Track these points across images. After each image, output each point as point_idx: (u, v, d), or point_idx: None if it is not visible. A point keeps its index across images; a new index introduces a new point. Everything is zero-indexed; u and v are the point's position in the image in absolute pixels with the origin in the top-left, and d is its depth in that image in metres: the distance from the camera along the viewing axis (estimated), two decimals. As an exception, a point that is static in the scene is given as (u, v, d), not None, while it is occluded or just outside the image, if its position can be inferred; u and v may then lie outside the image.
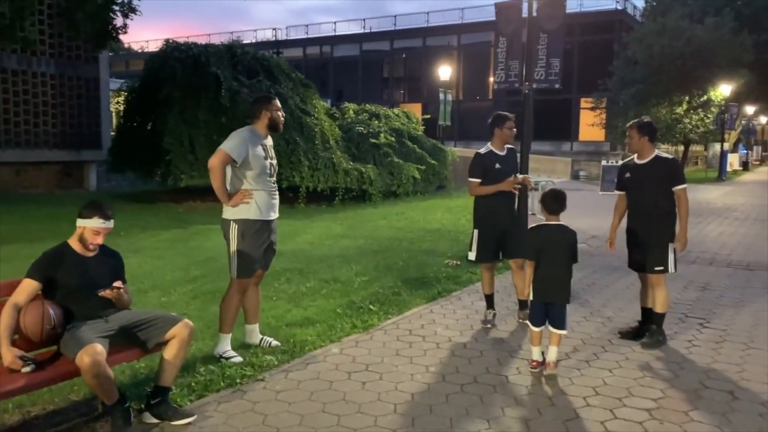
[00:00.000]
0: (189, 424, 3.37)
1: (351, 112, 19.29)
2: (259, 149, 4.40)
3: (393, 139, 17.56)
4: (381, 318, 5.47)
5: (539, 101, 39.05)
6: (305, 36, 53.44)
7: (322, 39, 52.12)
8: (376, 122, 18.34)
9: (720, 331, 5.27)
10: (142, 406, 3.44)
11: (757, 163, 54.57)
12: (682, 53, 27.17)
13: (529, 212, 12.75)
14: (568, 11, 10.98)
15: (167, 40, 15.82)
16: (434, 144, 19.40)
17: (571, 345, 4.78)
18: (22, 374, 3.00)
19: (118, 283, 3.40)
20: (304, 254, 8.43)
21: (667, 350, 4.78)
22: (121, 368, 4.01)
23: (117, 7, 14.21)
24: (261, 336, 4.71)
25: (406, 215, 13.05)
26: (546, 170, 27.14)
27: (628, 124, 5.07)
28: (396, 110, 20.99)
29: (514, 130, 5.37)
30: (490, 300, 5.47)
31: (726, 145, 31.96)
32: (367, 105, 20.32)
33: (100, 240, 3.43)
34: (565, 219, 4.43)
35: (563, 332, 4.27)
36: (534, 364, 4.28)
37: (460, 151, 21.39)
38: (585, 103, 37.75)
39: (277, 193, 4.63)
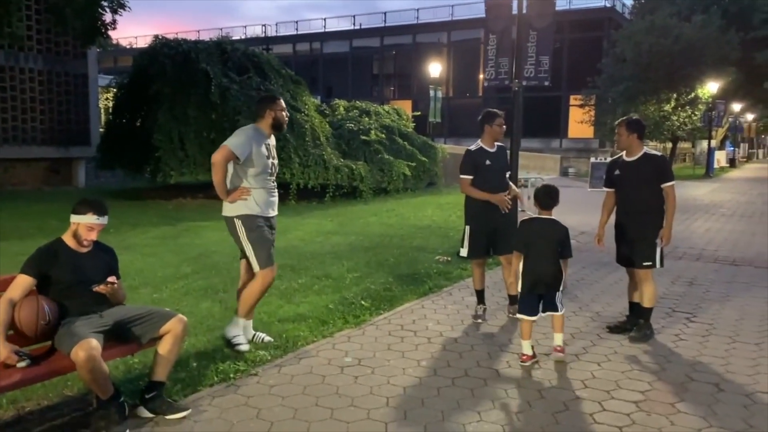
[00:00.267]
0: (183, 418, 3.40)
1: (341, 108, 19.30)
2: (263, 148, 4.44)
3: (383, 136, 17.58)
4: (373, 314, 5.52)
5: (529, 98, 39.20)
6: (295, 32, 53.30)
7: (312, 35, 52.00)
8: (367, 119, 18.36)
9: (706, 325, 5.36)
10: (137, 400, 3.46)
11: (744, 160, 55.09)
12: (670, 51, 27.37)
13: (519, 209, 12.87)
14: (557, 9, 11.06)
15: (156, 36, 15.76)
16: (424, 141, 19.45)
17: (562, 338, 4.83)
18: (17, 369, 3.02)
19: (112, 279, 3.42)
20: (295, 251, 8.45)
21: (655, 344, 4.86)
22: (114, 363, 4.03)
23: (106, 3, 14.13)
24: (254, 332, 4.73)
25: (396, 212, 13.09)
26: (535, 167, 27.26)
27: (616, 122, 5.13)
28: (386, 107, 21.02)
29: (504, 127, 5.43)
30: (480, 295, 5.53)
31: (713, 142, 32.25)
32: (357, 102, 20.33)
33: (93, 236, 3.45)
34: (554, 215, 4.50)
35: (560, 313, 4.35)
36: (524, 357, 4.34)
37: (450, 148, 21.46)
38: (574, 100, 37.96)
39: (276, 191, 4.67)
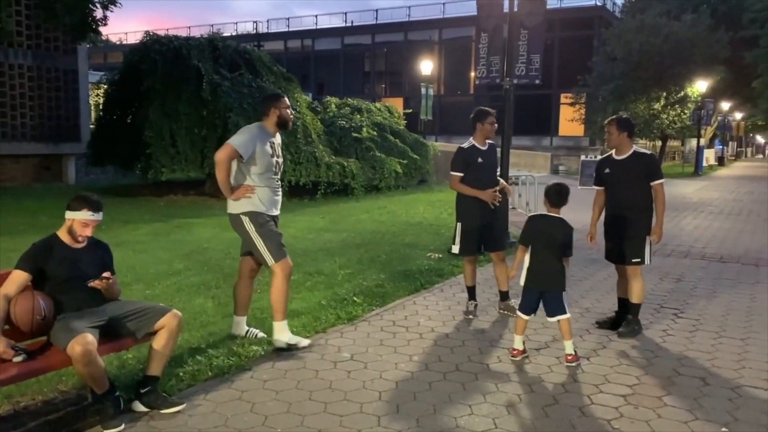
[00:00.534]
0: (178, 412, 3.43)
1: (333, 106, 19.30)
2: (267, 147, 4.44)
3: (375, 133, 17.62)
4: (365, 309, 5.56)
5: (520, 96, 39.26)
6: (286, 29, 53.17)
7: (304, 32, 51.88)
8: (358, 116, 18.38)
9: (693, 321, 5.45)
10: (132, 395, 3.50)
11: (733, 158, 55.57)
12: (659, 50, 27.55)
13: (510, 206, 12.95)
14: (548, 7, 11.14)
15: (147, 33, 15.70)
16: (416, 138, 19.50)
17: (550, 335, 4.91)
18: (13, 364, 3.05)
19: (107, 274, 3.44)
20: (287, 248, 8.37)
21: (643, 339, 4.94)
22: (109, 359, 4.05)
23: (96, -1, 14.09)
24: (247, 328, 4.77)
25: (388, 209, 13.13)
26: (526, 165, 27.40)
27: (606, 121, 5.19)
28: (378, 104, 21.05)
29: (496, 125, 5.48)
30: (471, 291, 5.59)
31: (702, 141, 32.52)
32: (349, 99, 20.34)
33: (88, 232, 3.47)
34: (544, 211, 4.57)
35: (566, 316, 4.35)
36: (515, 352, 4.40)
37: (441, 146, 21.53)
38: (565, 98, 38.10)
39: (280, 190, 4.67)
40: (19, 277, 3.29)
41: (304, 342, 4.47)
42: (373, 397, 3.74)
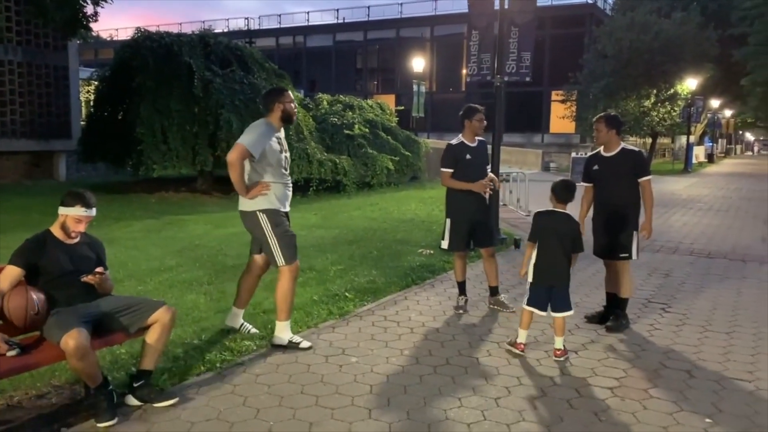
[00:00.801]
0: (171, 406, 3.47)
1: (325, 103, 19.32)
2: (274, 142, 4.44)
3: (367, 130, 17.66)
4: (356, 305, 5.61)
5: (511, 93, 39.50)
6: (278, 26, 53.04)
7: (295, 29, 51.76)
8: (350, 113, 18.41)
9: (680, 315, 5.53)
10: (125, 389, 3.53)
11: (722, 155, 55.93)
12: (650, 47, 27.68)
13: (501, 203, 13.02)
14: (539, 4, 11.20)
15: (139, 29, 15.65)
16: (408, 135, 19.55)
17: (539, 329, 4.97)
18: (7, 358, 3.07)
19: (100, 269, 3.47)
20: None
21: (630, 333, 5.01)
22: (101, 353, 4.08)
23: (87, -6, 14.02)
24: (243, 322, 4.78)
25: (380, 206, 13.18)
26: (517, 162, 27.52)
27: (594, 118, 5.24)
28: (370, 101, 21.08)
29: (484, 122, 5.51)
30: (462, 287, 5.64)
31: (692, 138, 32.73)
32: (341, 96, 20.36)
33: (81, 228, 3.50)
34: (536, 207, 4.63)
35: (569, 313, 4.41)
36: (520, 346, 4.45)
37: (433, 143, 21.59)
38: (556, 95, 38.23)
39: (291, 185, 4.66)
40: (12, 273, 3.31)
41: (306, 343, 4.48)
42: (365, 390, 3.79)
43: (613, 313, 5.17)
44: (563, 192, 4.54)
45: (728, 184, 22.87)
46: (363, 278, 6.57)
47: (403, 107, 26.62)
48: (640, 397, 3.79)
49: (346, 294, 5.89)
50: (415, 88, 22.82)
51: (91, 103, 17.11)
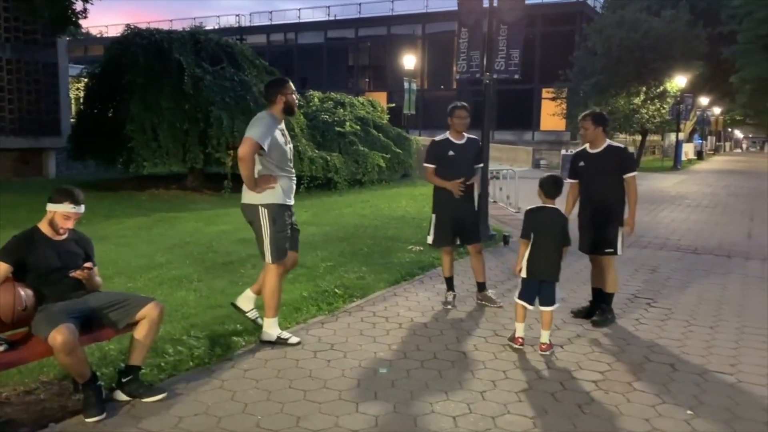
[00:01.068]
0: (159, 400, 3.49)
1: (316, 100, 19.31)
2: (279, 134, 4.44)
3: (358, 127, 17.67)
4: (346, 301, 5.65)
5: (502, 91, 39.61)
6: (269, 23, 52.92)
7: (287, 26, 51.67)
8: (342, 110, 18.41)
9: (665, 310, 5.60)
10: (113, 384, 3.55)
11: (711, 152, 56.30)
12: (639, 45, 27.81)
13: (491, 200, 13.09)
14: (530, 2, 11.29)
15: (128, 26, 15.59)
16: (399, 133, 19.58)
17: (526, 324, 5.00)
18: (-5, 354, 3.09)
19: (89, 264, 3.49)
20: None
21: (616, 328, 5.08)
22: (90, 349, 4.10)
23: (77, -9, 13.96)
24: (253, 307, 4.77)
25: (371, 203, 13.21)
26: (508, 159, 27.60)
27: (581, 116, 5.27)
28: (361, 99, 21.09)
29: (467, 119, 5.49)
30: (449, 282, 5.69)
31: (681, 135, 32.94)
32: (332, 93, 20.35)
33: (70, 224, 3.52)
34: (525, 204, 4.68)
35: (554, 307, 4.51)
36: (519, 340, 4.51)
37: (424, 140, 21.60)
38: (546, 93, 38.35)
39: (295, 178, 4.67)
40: None
41: (294, 339, 4.50)
42: (352, 384, 3.83)
43: (599, 308, 5.24)
44: (552, 188, 4.62)
45: (716, 181, 23.06)
46: (353, 274, 6.61)
47: (394, 104, 26.61)
48: (624, 390, 3.85)
49: (336, 290, 5.93)
50: (406, 85, 22.84)
51: (81, 100, 17.03)
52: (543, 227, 4.54)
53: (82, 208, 3.53)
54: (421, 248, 8.02)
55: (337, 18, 50.13)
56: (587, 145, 5.26)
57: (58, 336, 3.06)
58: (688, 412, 3.56)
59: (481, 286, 5.66)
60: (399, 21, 46.74)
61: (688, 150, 40.40)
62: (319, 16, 51.73)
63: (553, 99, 34.98)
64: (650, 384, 3.94)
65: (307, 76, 48.09)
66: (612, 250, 5.14)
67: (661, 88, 29.35)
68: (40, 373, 3.82)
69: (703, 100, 40.33)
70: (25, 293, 3.30)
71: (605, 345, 4.67)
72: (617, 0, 36.28)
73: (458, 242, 5.65)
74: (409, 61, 25.76)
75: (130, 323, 3.51)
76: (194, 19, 67.21)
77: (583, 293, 5.94)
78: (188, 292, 5.84)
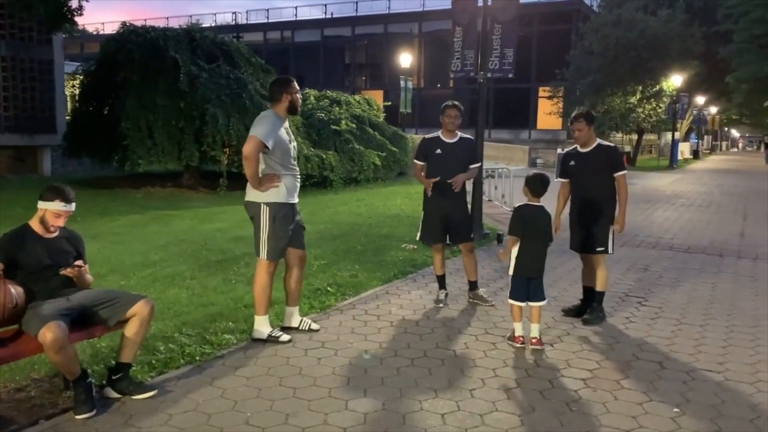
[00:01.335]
0: (150, 398, 3.51)
1: (312, 98, 19.32)
2: (283, 132, 4.46)
3: (354, 125, 17.69)
4: (338, 299, 5.67)
5: (499, 90, 39.66)
6: (266, 20, 52.86)
7: (283, 24, 51.63)
8: (338, 109, 18.43)
9: (656, 309, 5.63)
10: (104, 381, 3.57)
11: (708, 152, 56.47)
12: (635, 44, 27.90)
13: (486, 198, 13.11)
14: (527, 1, 11.33)
15: (124, 23, 15.57)
16: (395, 131, 19.61)
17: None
18: (-15, 351, 3.10)
19: (79, 262, 3.51)
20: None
21: (606, 326, 5.10)
22: (82, 347, 4.12)
23: (72, -12, 13.94)
24: (300, 318, 4.80)
25: (366, 201, 13.24)
26: (504, 158, 27.62)
27: (573, 116, 5.27)
28: (357, 97, 21.10)
29: (458, 119, 5.50)
30: (441, 281, 5.72)
31: (677, 135, 33.03)
32: (328, 91, 20.37)
33: (61, 222, 3.53)
34: (520, 203, 4.74)
35: (543, 303, 4.59)
36: (518, 339, 4.55)
37: (420, 139, 21.63)
38: (543, 92, 38.44)
39: (299, 176, 4.68)
40: (-10, 267, 3.34)
41: (285, 337, 4.52)
42: (342, 382, 3.85)
43: (589, 307, 5.26)
44: (540, 186, 4.67)
45: (711, 180, 23.13)
46: (346, 273, 6.63)
47: (390, 103, 26.63)
48: (612, 387, 3.88)
49: (328, 288, 5.95)
50: (402, 83, 22.86)
51: (77, 97, 17.01)
52: (530, 225, 4.61)
53: (72, 206, 3.54)
54: (415, 246, 8.04)
55: (334, 16, 50.12)
56: (578, 145, 5.28)
57: (48, 333, 3.08)
58: (675, 409, 3.59)
59: (473, 285, 5.69)
60: (396, 19, 46.75)
61: (684, 149, 40.53)
62: (316, 14, 51.68)
63: (550, 98, 35.07)
64: (638, 382, 3.97)
65: (303, 74, 47.99)
66: (603, 248, 5.16)
67: (657, 87, 29.45)
68: (31, 371, 3.83)
69: (700, 100, 40.42)
70: (15, 290, 3.31)
71: (595, 343, 4.70)
72: (614, -1, 36.32)
73: (448, 240, 5.67)
74: (406, 59, 25.77)
75: (120, 320, 3.52)
76: (191, 16, 67.15)
77: (575, 292, 5.97)
78: (181, 290, 5.85)
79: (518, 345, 4.55)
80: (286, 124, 4.58)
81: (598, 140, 5.21)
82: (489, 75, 8.88)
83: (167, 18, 52.56)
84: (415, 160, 5.68)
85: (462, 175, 5.40)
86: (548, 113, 36.12)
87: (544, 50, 39.26)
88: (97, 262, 6.80)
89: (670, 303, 5.83)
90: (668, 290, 6.32)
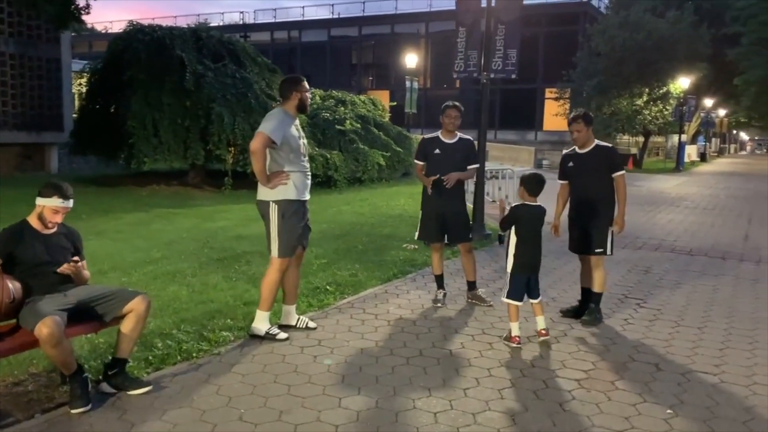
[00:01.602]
0: (145, 393, 3.54)
1: (317, 98, 19.36)
2: (293, 130, 4.49)
3: (359, 125, 17.72)
4: (337, 298, 5.69)
5: (505, 91, 39.63)
6: (273, 20, 52.98)
7: (290, 24, 51.73)
8: (342, 109, 18.46)
9: (654, 311, 5.62)
10: (100, 377, 3.60)
11: (715, 154, 56.17)
12: (642, 46, 27.78)
13: (489, 199, 13.11)
14: (534, 2, 11.30)
15: (131, 22, 15.67)
16: (399, 131, 19.62)
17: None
18: (-18, 345, 3.14)
19: (76, 258, 3.54)
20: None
21: (603, 327, 5.10)
22: (80, 342, 4.17)
23: (79, -13, 14.01)
24: (298, 316, 4.83)
25: (369, 201, 13.26)
26: (510, 159, 27.60)
27: (571, 118, 5.27)
28: (362, 97, 21.14)
29: (458, 119, 5.50)
30: (439, 280, 5.73)
31: (684, 137, 32.86)
32: (333, 91, 20.41)
33: (58, 218, 3.57)
34: (522, 201, 4.77)
35: (540, 299, 4.70)
36: (515, 339, 4.58)
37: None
38: (549, 93, 38.32)
39: (310, 173, 4.70)
40: (-12, 262, 3.38)
41: (283, 335, 4.54)
42: (337, 380, 3.87)
43: (588, 308, 5.26)
44: (537, 185, 4.73)
45: (717, 183, 23.02)
46: (345, 272, 6.65)
47: (395, 103, 26.75)
48: (606, 388, 3.89)
49: (327, 287, 5.97)
50: (407, 84, 22.88)
51: (84, 95, 17.12)
52: (528, 224, 4.66)
53: (70, 203, 3.58)
54: (416, 246, 8.05)
55: (341, 16, 50.15)
56: (576, 146, 5.28)
57: (44, 328, 3.11)
58: (668, 411, 3.59)
59: (472, 285, 5.70)
60: (402, 19, 46.74)
61: (691, 152, 40.30)
62: (323, 14, 51.87)
63: (556, 99, 34.94)
64: (633, 383, 3.98)
65: (310, 74, 48.04)
66: (602, 249, 5.16)
67: (664, 89, 29.30)
68: (29, 365, 3.87)
69: (708, 102, 40.24)
70: (13, 286, 3.35)
71: (591, 344, 4.70)
72: (622, 0, 36.17)
73: (447, 240, 5.68)
74: (411, 59, 25.77)
75: (117, 316, 3.55)
76: (198, 15, 67.38)
77: (575, 293, 5.95)
78: (181, 287, 5.89)
79: (514, 345, 4.56)
80: (297, 122, 4.62)
81: (597, 141, 5.21)
82: (492, 75, 8.89)
83: (175, 17, 52.85)
84: (416, 160, 5.73)
85: (455, 173, 5.38)
86: (555, 114, 35.99)
87: (551, 51, 39.18)
88: (99, 258, 6.86)
89: (670, 305, 5.82)
90: (668, 292, 6.31)
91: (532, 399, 3.70)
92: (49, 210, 3.51)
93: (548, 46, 39.72)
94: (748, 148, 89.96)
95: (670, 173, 28.16)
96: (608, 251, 5.20)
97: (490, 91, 9.00)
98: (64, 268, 3.48)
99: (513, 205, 4.83)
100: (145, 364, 3.96)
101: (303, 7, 56.20)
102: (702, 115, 41.23)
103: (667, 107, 29.76)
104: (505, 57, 8.79)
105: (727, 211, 13.66)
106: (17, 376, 3.74)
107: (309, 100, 4.67)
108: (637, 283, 6.70)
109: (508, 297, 4.66)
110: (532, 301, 4.68)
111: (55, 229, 3.59)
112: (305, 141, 4.70)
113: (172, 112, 14.12)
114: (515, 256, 4.63)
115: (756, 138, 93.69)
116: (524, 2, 9.28)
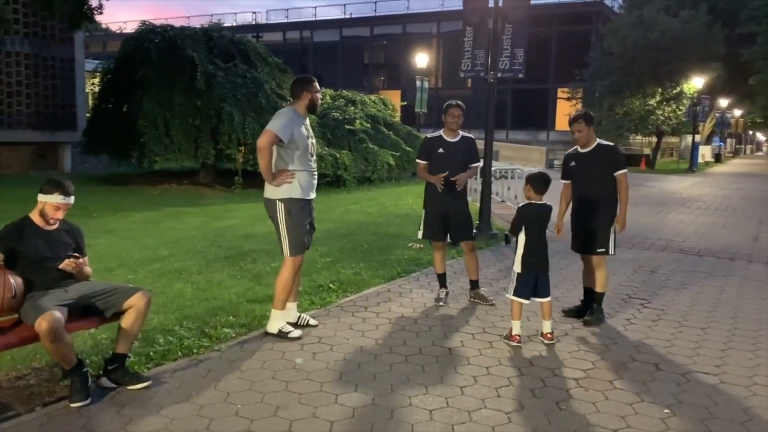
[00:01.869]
0: (144, 388, 3.58)
1: (328, 97, 19.42)
2: (302, 129, 4.53)
3: (368, 125, 17.75)
4: (339, 296, 5.72)
5: (517, 91, 39.51)
6: (285, 20, 53.21)
7: (302, 24, 51.92)
8: (352, 108, 18.51)
9: (658, 311, 5.59)
10: (100, 371, 3.65)
11: (731, 155, 55.55)
12: (655, 45, 27.57)
13: (499, 199, 13.09)
14: (548, 2, 11.28)
15: (143, 22, 15.81)
16: (409, 131, 19.63)
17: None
18: (-17, 339, 3.20)
19: (76, 255, 3.59)
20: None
21: (605, 327, 5.09)
22: (82, 338, 4.23)
23: (92, -12, 14.15)
24: (299, 314, 4.86)
25: (377, 200, 13.28)
26: (521, 159, 27.52)
27: (572, 118, 5.26)
28: (372, 97, 21.18)
29: (460, 118, 5.51)
30: (442, 279, 5.73)
31: (698, 137, 32.56)
32: (343, 91, 20.46)
33: (60, 215, 3.62)
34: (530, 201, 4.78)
35: (549, 299, 4.68)
36: (516, 338, 4.58)
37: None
38: (562, 93, 38.15)
39: (316, 173, 4.74)
40: (-10, 257, 3.44)
41: (296, 333, 4.56)
42: (335, 377, 3.89)
43: (590, 308, 5.25)
44: (543, 184, 4.74)
45: (731, 183, 22.79)
46: (349, 270, 6.67)
47: (405, 103, 26.76)
48: (604, 388, 3.88)
49: (330, 285, 6.00)
50: (418, 83, 22.85)
51: (97, 95, 17.29)
52: (535, 222, 4.67)
53: (71, 199, 3.63)
54: (422, 246, 8.06)
55: (353, 16, 50.24)
56: (578, 146, 5.27)
57: (44, 323, 3.16)
58: (665, 411, 3.58)
59: (474, 284, 5.70)
60: (414, 19, 46.74)
61: (706, 152, 39.93)
62: (335, 14, 51.92)
63: (569, 99, 34.78)
64: (631, 383, 3.96)
65: (322, 74, 48.19)
66: (604, 249, 5.14)
67: (677, 89, 29.05)
68: (32, 360, 3.94)
69: (723, 102, 39.83)
70: (15, 281, 3.41)
71: (592, 344, 4.69)
72: (635, 0, 35.91)
73: (450, 239, 5.69)
74: (422, 59, 25.74)
75: (117, 312, 3.60)
76: (211, 15, 67.71)
77: (578, 293, 5.93)
78: (186, 285, 5.94)
79: (514, 344, 4.56)
80: (306, 121, 4.65)
81: (598, 140, 5.20)
82: (499, 75, 8.88)
83: (188, 17, 53.19)
84: (419, 160, 5.71)
85: (464, 174, 5.44)
86: (567, 114, 35.69)
87: (563, 51, 39.00)
88: (107, 256, 6.94)
89: (674, 305, 5.79)
90: (673, 293, 6.27)
91: (529, 397, 3.70)
92: (50, 206, 3.57)
93: (561, 46, 39.54)
94: (765, 148, 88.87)
95: (683, 174, 27.91)
96: (610, 251, 5.18)
97: (501, 91, 9.05)
98: (66, 264, 3.54)
99: (520, 205, 4.84)
100: (146, 359, 4.01)
101: (315, 8, 56.47)
102: (717, 115, 40.82)
103: (681, 107, 29.51)
104: (512, 56, 8.77)
105: (739, 212, 13.53)
106: (20, 370, 3.81)
107: (319, 100, 4.72)
108: (643, 283, 6.66)
109: (514, 294, 4.64)
110: (541, 300, 4.66)
111: (56, 226, 3.64)
112: (314, 141, 4.73)
113: (183, 112, 14.24)
114: (523, 255, 4.64)
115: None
116: (537, 1, 9.24)
